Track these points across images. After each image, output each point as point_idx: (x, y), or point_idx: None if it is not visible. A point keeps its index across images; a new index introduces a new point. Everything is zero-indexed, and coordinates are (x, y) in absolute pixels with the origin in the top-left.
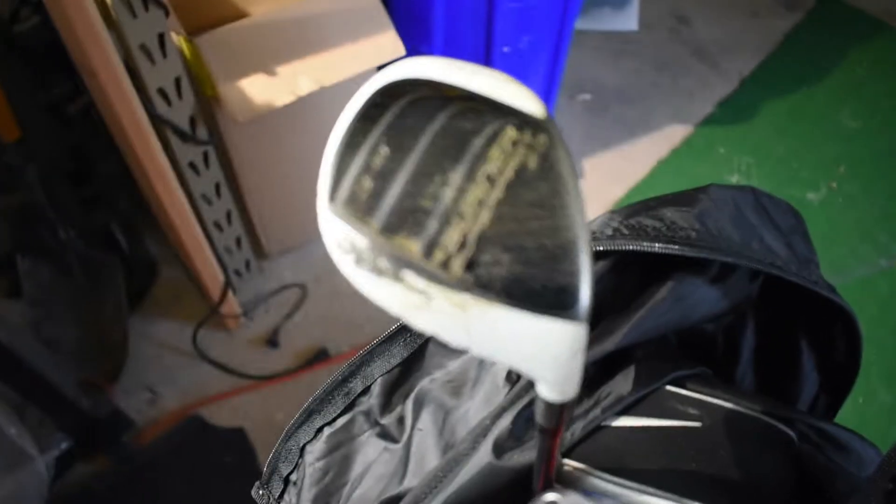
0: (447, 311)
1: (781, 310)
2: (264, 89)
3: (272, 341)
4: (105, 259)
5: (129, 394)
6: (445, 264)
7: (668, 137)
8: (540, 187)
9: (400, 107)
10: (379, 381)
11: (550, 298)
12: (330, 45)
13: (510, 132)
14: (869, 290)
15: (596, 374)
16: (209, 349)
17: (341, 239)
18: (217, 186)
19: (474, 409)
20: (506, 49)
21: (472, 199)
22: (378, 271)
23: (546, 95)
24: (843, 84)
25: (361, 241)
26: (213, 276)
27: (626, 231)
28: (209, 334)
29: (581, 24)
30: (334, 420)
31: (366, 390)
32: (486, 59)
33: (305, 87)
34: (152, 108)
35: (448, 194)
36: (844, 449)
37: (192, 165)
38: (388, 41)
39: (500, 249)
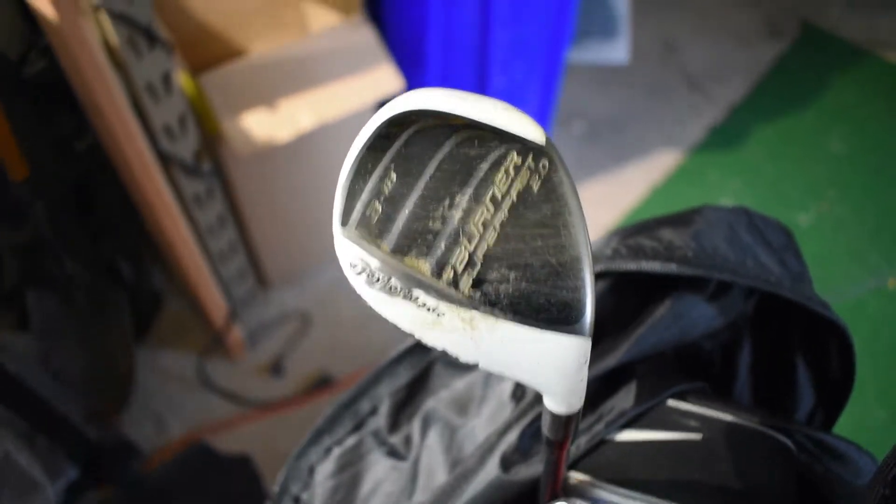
0: (457, 327)
1: (776, 326)
2: (266, 125)
3: (276, 369)
4: (111, 291)
5: (135, 423)
6: (454, 282)
7: (661, 164)
8: (543, 208)
9: (407, 136)
10: (386, 401)
11: (555, 314)
12: (329, 81)
13: (513, 157)
14: (861, 310)
15: (598, 389)
16: (214, 378)
17: (354, 260)
18: (221, 219)
19: (481, 425)
20: (500, 80)
21: (478, 221)
22: (390, 290)
23: (540, 124)
24: (831, 109)
25: (373, 262)
26: (217, 305)
27: (625, 251)
28: (214, 363)
29: (572, 55)
30: (343, 440)
31: (374, 411)
32: (480, 90)
33: (306, 122)
34: (158, 144)
35: (455, 216)
36: (842, 458)
37: (197, 199)
38: (387, 75)
39: (507, 267)
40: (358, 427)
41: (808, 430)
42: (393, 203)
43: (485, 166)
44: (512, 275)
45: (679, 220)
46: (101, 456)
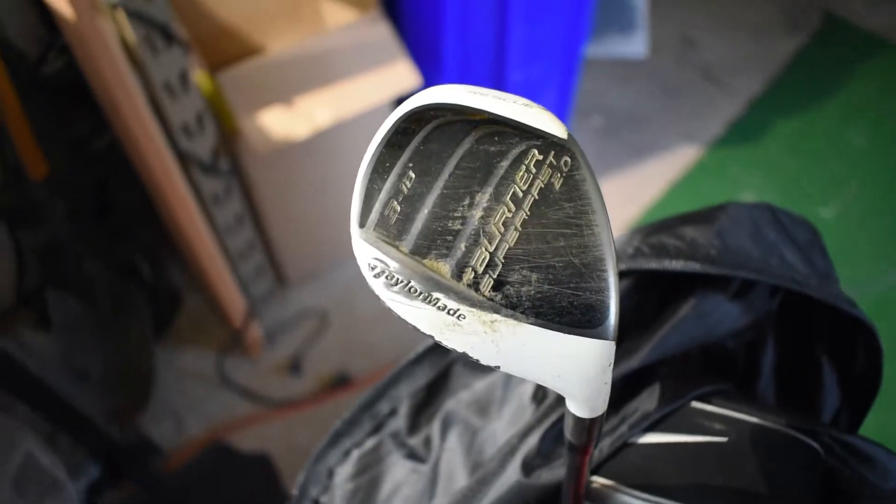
0: (478, 330)
1: (801, 325)
2: (283, 123)
3: (295, 367)
4: (130, 290)
5: (156, 421)
6: (475, 284)
7: (680, 159)
8: (565, 207)
9: (426, 132)
10: (406, 402)
11: (578, 316)
12: (347, 77)
13: (534, 154)
14: (883, 307)
15: (621, 391)
16: (233, 376)
17: (373, 262)
18: (239, 217)
19: (501, 428)
20: (517, 76)
21: (498, 220)
22: (410, 293)
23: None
24: (851, 103)
25: (393, 264)
26: (235, 304)
27: (647, 250)
28: (233, 361)
29: (590, 50)
30: (362, 442)
31: (393, 412)
32: (498, 86)
33: (323, 119)
34: (176, 142)
35: (476, 216)
36: (869, 461)
37: (215, 197)
38: (404, 72)
39: (528, 269)
40: (377, 429)
41: (836, 432)
42: (411, 202)
43: (505, 163)
44: (534, 276)
45: (702, 217)
46: (122, 455)
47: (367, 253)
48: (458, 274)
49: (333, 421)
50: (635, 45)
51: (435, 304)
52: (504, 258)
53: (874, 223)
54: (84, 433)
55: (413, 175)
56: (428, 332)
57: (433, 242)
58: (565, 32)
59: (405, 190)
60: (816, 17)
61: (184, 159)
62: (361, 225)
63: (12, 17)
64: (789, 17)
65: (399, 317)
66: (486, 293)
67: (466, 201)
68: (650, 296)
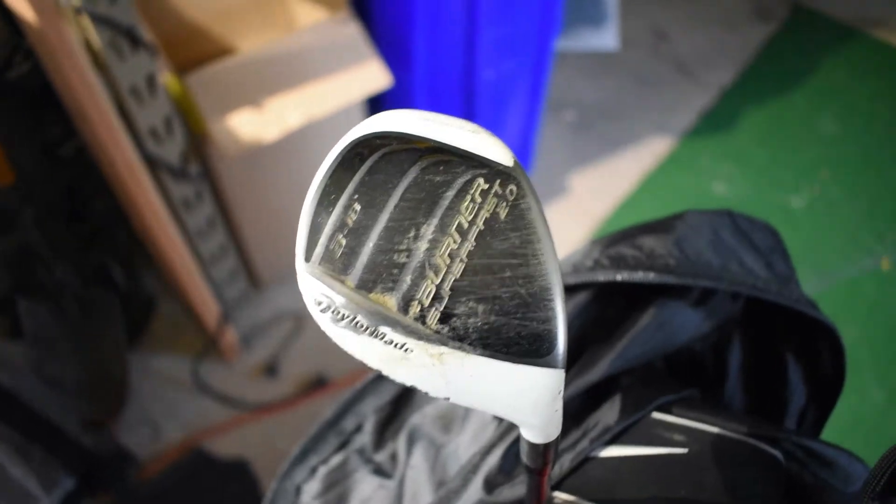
0: (426, 363)
1: (766, 326)
2: (253, 125)
3: (271, 370)
4: (103, 296)
5: (131, 429)
6: (422, 318)
7: (653, 151)
8: (511, 237)
9: (371, 162)
10: (371, 418)
11: (526, 346)
12: (317, 78)
13: (480, 183)
14: (857, 291)
15: (582, 404)
16: (209, 381)
17: (319, 297)
18: (210, 220)
19: (464, 444)
20: (488, 73)
21: (444, 252)
22: (356, 327)
23: (530, 116)
24: (822, 90)
25: (339, 299)
26: (209, 308)
27: (606, 262)
28: (208, 366)
29: (562, 44)
30: (329, 458)
31: (358, 428)
32: (468, 84)
33: (294, 121)
34: (144, 147)
35: (421, 248)
36: (831, 465)
37: (185, 201)
38: (375, 71)
39: (475, 300)
40: (343, 445)
41: (798, 437)
42: (357, 236)
43: (451, 193)
44: (480, 308)
45: (661, 226)
46: (97, 465)
47: (313, 288)
48: (405, 307)
49: (311, 423)
50: (607, 39)
51: (382, 339)
52: (450, 290)
53: (846, 209)
54: (57, 444)
55: (358, 207)
56: (376, 367)
57: (379, 276)
58: (536, 27)
59: (350, 223)
60: (785, 7)
61: (153, 164)
62: (307, 259)
63: None
64: (759, 8)
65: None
66: (433, 326)
67: (412, 233)
68: (611, 307)
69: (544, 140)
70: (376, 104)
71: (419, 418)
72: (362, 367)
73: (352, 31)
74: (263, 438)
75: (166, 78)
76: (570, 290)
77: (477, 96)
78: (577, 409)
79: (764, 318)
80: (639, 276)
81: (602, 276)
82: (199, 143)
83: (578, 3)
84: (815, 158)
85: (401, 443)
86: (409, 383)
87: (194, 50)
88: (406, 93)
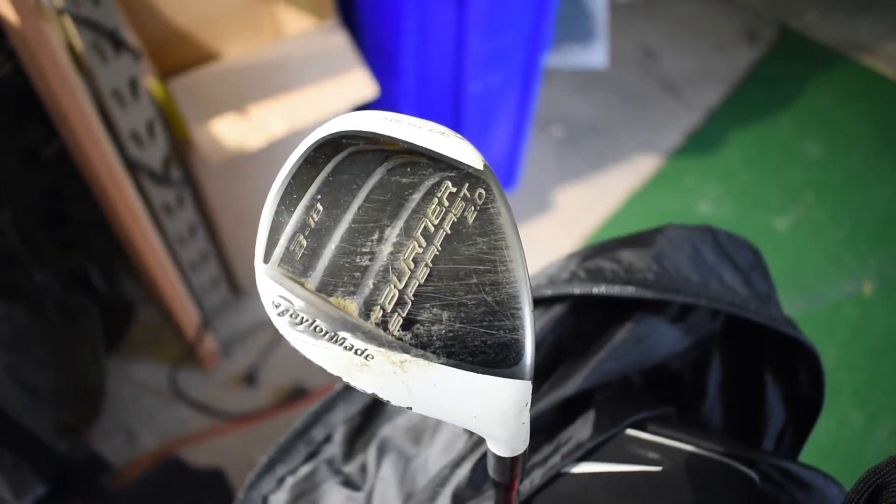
0: (387, 371)
1: (745, 345)
2: (237, 132)
3: (250, 379)
4: (81, 301)
5: (106, 436)
6: (383, 323)
7: (639, 169)
8: (478, 242)
9: (336, 162)
10: (341, 428)
11: (492, 356)
12: (302, 86)
13: (447, 186)
14: (838, 315)
15: (555, 419)
16: (187, 389)
17: (277, 300)
18: (191, 227)
19: (434, 457)
20: (476, 86)
21: (408, 256)
22: (315, 332)
23: (518, 130)
24: (807, 113)
25: (297, 301)
26: (189, 316)
27: (583, 274)
28: (187, 374)
29: (551, 60)
30: (297, 469)
31: (328, 438)
32: (455, 96)
33: (278, 129)
34: (125, 151)
35: (384, 251)
36: (807, 487)
37: (167, 207)
38: (361, 80)
39: (439, 307)
40: (312, 455)
41: (774, 458)
42: (319, 237)
43: (417, 196)
44: (445, 315)
45: (640, 240)
46: (71, 471)
47: (271, 290)
48: (366, 312)
49: (281, 434)
50: (595, 56)
51: (341, 344)
52: (414, 296)
53: (829, 231)
54: (30, 450)
55: (321, 208)
56: (335, 373)
57: (340, 279)
58: (525, 43)
59: (312, 224)
60: (774, 31)
61: (133, 168)
62: (266, 260)
63: None
64: (747, 30)
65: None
66: (395, 332)
67: (376, 236)
68: (587, 320)
69: (532, 155)
70: None
71: (390, 429)
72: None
73: (339, 40)
74: (240, 448)
75: (150, 82)
76: (545, 302)
77: (464, 109)
78: (550, 424)
79: (744, 337)
80: (616, 289)
81: (579, 289)
82: (181, 148)
83: (568, 21)
84: (800, 180)
85: (371, 454)
86: (369, 391)
87: (180, 55)
88: (392, 103)
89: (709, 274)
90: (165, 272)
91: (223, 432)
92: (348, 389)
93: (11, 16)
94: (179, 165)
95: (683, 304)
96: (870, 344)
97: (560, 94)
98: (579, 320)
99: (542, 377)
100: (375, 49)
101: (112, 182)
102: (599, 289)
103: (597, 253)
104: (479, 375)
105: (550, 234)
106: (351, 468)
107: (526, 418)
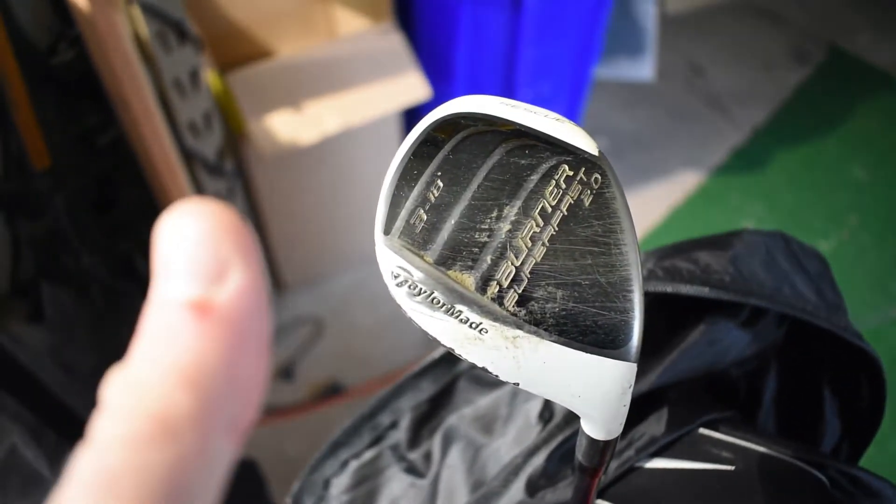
0: (499, 345)
1: (805, 356)
2: (291, 127)
3: (287, 373)
4: (126, 287)
5: None
6: (499, 299)
7: (683, 184)
8: (594, 224)
9: (455, 141)
10: (408, 415)
11: (602, 336)
12: (356, 85)
13: (565, 169)
14: (879, 340)
15: (630, 414)
16: None
17: (396, 271)
18: None
19: (506, 446)
20: (527, 93)
21: (526, 235)
22: (432, 303)
23: None
24: (854, 136)
25: (417, 273)
26: None
27: (660, 273)
28: None
29: (599, 72)
30: (361, 453)
31: (394, 424)
32: None
33: (331, 126)
34: (182, 140)
35: (503, 229)
36: (876, 496)
37: (217, 197)
38: (415, 83)
39: (554, 285)
40: (377, 441)
41: (842, 465)
42: (439, 212)
43: (535, 177)
44: (559, 293)
45: (717, 242)
46: None
47: (390, 261)
48: (483, 287)
49: (323, 430)
50: (643, 69)
51: (457, 317)
52: (530, 273)
53: (872, 257)
54: (70, 429)
55: (441, 184)
56: (449, 345)
57: (459, 254)
58: (576, 53)
59: (432, 199)
60: (823, 50)
61: (189, 158)
62: (386, 232)
63: (24, 5)
64: (796, 50)
65: (419, 327)
66: (510, 308)
67: (494, 213)
68: (659, 319)
69: None
70: (413, 116)
71: (456, 419)
72: (379, 377)
73: (394, 42)
74: (273, 441)
75: (209, 75)
76: None
77: None
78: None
79: (804, 348)
80: (694, 289)
81: (656, 287)
82: (235, 141)
83: (618, 32)
84: (845, 204)
85: (436, 442)
86: (480, 364)
87: (237, 50)
88: None
89: (782, 279)
90: None
91: (257, 424)
92: (417, 377)
93: (82, 2)
94: (233, 157)
95: (755, 309)
96: None
97: (605, 105)
98: (651, 319)
99: None
100: (430, 52)
101: (167, 170)
102: (679, 288)
103: (673, 253)
104: (589, 355)
105: None
106: (415, 455)
107: (627, 401)
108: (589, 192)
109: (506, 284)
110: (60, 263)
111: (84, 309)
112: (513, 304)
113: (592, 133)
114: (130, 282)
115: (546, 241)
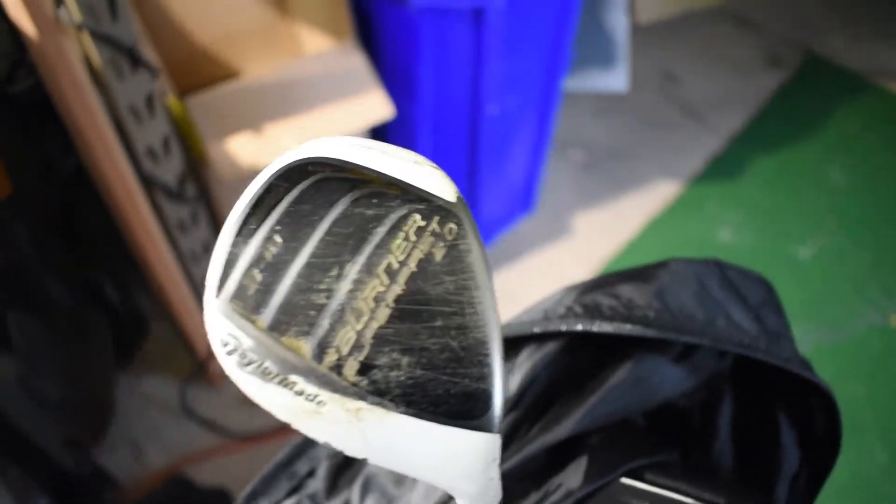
0: (340, 418)
1: (758, 384)
2: (251, 150)
3: None
4: (94, 315)
5: (113, 450)
6: (338, 367)
7: (659, 194)
8: (445, 281)
9: (299, 191)
10: (325, 463)
11: (456, 406)
12: (319, 106)
13: (415, 219)
14: (863, 347)
15: (545, 464)
16: (196, 406)
17: (226, 338)
18: (206, 245)
19: (416, 501)
20: (494, 108)
21: (368, 295)
22: (264, 375)
23: (536, 153)
24: (831, 140)
25: (247, 340)
26: (201, 333)
27: (579, 310)
28: (197, 391)
29: (571, 84)
30: (280, 502)
31: (311, 473)
32: (473, 118)
33: (291, 148)
34: (140, 166)
35: (343, 289)
36: None
37: (181, 224)
38: (377, 102)
39: (399, 351)
40: (295, 489)
41: None
42: (275, 271)
43: (382, 230)
44: (405, 360)
45: (642, 275)
46: (76, 486)
47: (220, 327)
48: (320, 355)
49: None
50: (617, 80)
51: (292, 388)
52: (372, 338)
53: (853, 261)
54: (36, 462)
55: (279, 240)
56: (284, 420)
57: (294, 318)
58: (543, 67)
59: (269, 257)
60: (797, 55)
61: (148, 184)
62: (217, 295)
63: None
64: (770, 55)
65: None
66: (351, 378)
67: (335, 272)
68: (583, 358)
69: (550, 179)
70: (378, 135)
71: (374, 467)
72: None
73: (356, 61)
74: (247, 468)
75: (167, 99)
76: (539, 338)
77: (481, 131)
78: (539, 469)
79: (756, 376)
80: (614, 327)
81: (574, 326)
82: (197, 166)
83: (589, 44)
84: (824, 208)
85: (355, 492)
86: (321, 440)
87: (199, 73)
88: (409, 125)
89: (716, 311)
90: (178, 288)
91: (230, 451)
92: None
93: (30, 30)
94: (195, 182)
95: (687, 343)
96: (895, 378)
97: (579, 117)
98: (574, 358)
99: (533, 419)
100: (392, 70)
101: (127, 197)
102: (596, 326)
103: (595, 287)
104: (442, 427)
105: (567, 260)
106: None
107: (494, 474)
108: (442, 244)
109: (345, 352)
110: (26, 292)
111: (51, 338)
112: (353, 373)
113: (566, 145)
114: (99, 310)
115: (391, 301)
